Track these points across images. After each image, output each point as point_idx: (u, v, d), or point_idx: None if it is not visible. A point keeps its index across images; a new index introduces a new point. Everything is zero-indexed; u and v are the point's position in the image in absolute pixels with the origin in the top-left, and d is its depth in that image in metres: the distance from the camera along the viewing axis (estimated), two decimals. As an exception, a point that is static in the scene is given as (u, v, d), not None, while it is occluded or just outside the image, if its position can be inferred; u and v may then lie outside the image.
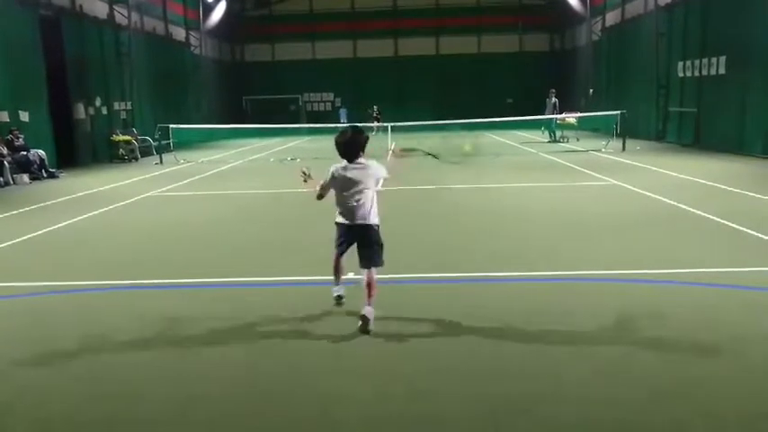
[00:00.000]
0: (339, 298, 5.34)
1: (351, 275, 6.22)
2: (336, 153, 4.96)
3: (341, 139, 4.90)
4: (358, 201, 4.87)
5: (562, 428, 3.35)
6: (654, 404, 3.55)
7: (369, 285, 4.86)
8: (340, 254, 5.16)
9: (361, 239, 4.94)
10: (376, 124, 28.09)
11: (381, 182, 5.30)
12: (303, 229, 8.86)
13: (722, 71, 18.35)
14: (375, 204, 4.96)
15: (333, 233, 5.18)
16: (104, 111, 21.42)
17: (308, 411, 3.62)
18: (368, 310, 4.79)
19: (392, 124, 22.28)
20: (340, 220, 5.01)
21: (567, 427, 3.36)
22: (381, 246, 4.98)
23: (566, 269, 6.27)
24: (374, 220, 4.94)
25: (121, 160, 20.46)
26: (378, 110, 31.43)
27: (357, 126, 5.07)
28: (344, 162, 4.94)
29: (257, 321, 5.12)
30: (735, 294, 5.44)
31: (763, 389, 3.71)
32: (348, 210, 4.90)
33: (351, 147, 4.88)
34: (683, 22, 20.97)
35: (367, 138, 4.98)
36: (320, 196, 5.15)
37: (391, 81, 38.57)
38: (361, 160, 4.91)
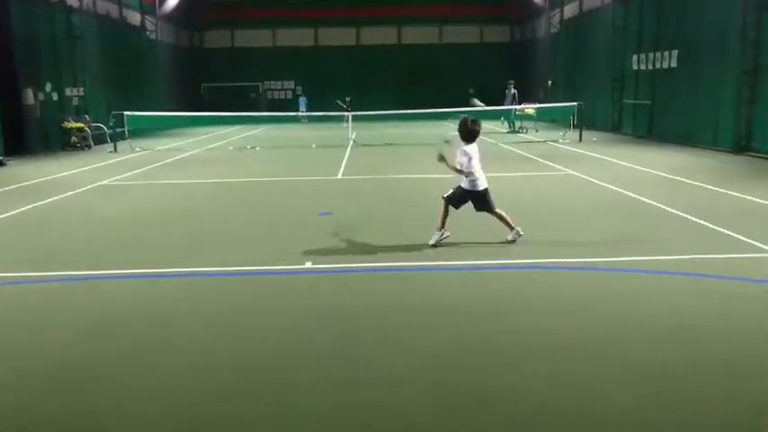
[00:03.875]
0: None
1: (309, 264, 6.22)
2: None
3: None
4: None
5: (527, 419, 3.42)
6: (610, 392, 3.65)
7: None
8: None
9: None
10: (347, 114, 27.80)
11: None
12: (259, 219, 8.77)
13: (674, 64, 18.86)
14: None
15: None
16: (55, 96, 20.65)
17: (281, 398, 3.60)
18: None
19: (353, 113, 22.16)
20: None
21: (533, 417, 3.43)
22: None
23: (518, 257, 6.38)
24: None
25: (74, 148, 19.83)
26: (350, 101, 31.03)
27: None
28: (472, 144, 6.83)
29: (215, 310, 5.06)
30: (682, 281, 5.63)
31: (715, 376, 3.86)
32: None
33: None
34: (638, 16, 21.44)
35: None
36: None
37: (353, 70, 38.35)
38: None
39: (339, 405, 3.53)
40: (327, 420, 3.38)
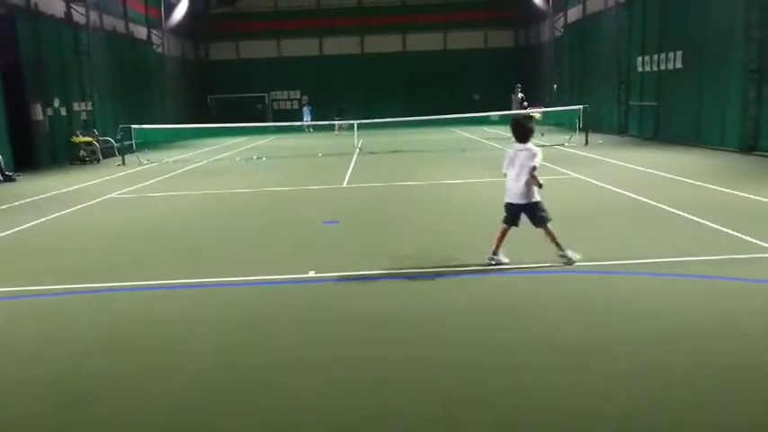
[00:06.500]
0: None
1: (312, 273, 6.26)
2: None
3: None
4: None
5: (523, 419, 3.42)
6: (609, 393, 3.64)
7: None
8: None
9: None
10: (338, 122, 27.86)
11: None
12: (265, 229, 8.82)
13: (679, 65, 18.80)
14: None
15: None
16: (63, 111, 20.92)
17: (276, 403, 3.62)
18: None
19: (359, 122, 22.24)
20: None
21: (523, 417, 3.43)
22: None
23: (527, 262, 6.37)
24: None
25: (82, 162, 20.01)
26: (341, 110, 30.96)
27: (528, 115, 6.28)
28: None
29: (219, 320, 5.10)
30: (687, 283, 5.60)
31: (714, 379, 3.84)
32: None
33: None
34: (641, 18, 21.41)
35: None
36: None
37: (358, 78, 38.52)
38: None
39: (343, 410, 3.55)
40: (330, 426, 3.40)
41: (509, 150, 6.32)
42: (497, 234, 6.29)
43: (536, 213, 6.18)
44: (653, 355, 4.12)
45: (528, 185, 6.08)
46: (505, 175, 6.30)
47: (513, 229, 6.31)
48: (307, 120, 32.70)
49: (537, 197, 6.18)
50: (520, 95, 24.76)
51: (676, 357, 4.07)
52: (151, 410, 3.65)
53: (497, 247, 6.28)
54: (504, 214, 6.30)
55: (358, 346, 4.50)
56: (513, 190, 6.16)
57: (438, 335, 4.62)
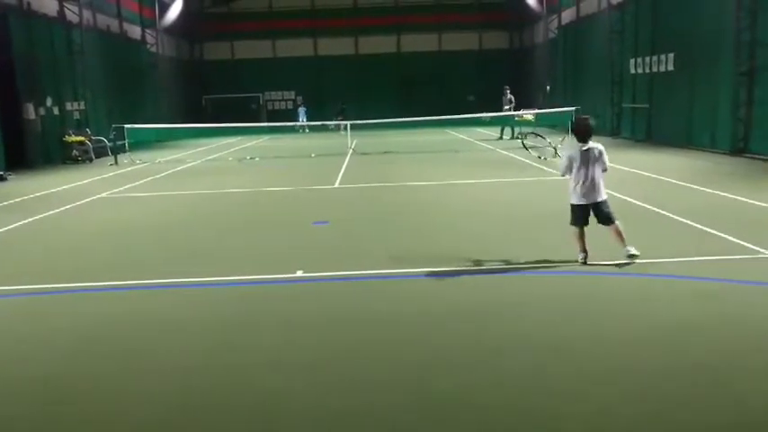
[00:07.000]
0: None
1: (300, 273, 6.28)
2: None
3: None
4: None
5: (498, 418, 3.44)
6: (585, 393, 3.67)
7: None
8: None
9: None
10: (341, 122, 27.80)
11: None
12: (255, 229, 8.82)
13: (671, 67, 18.89)
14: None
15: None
16: (56, 111, 20.83)
17: (260, 404, 3.63)
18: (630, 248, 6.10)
19: (352, 122, 22.23)
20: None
21: (504, 417, 3.45)
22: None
23: (513, 262, 6.39)
24: None
25: (75, 162, 19.94)
26: (342, 109, 31.11)
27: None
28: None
29: (205, 320, 5.10)
30: (673, 283, 5.64)
31: (706, 378, 3.87)
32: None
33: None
34: (634, 20, 21.50)
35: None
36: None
37: (353, 79, 38.49)
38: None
39: (328, 411, 3.56)
40: (315, 427, 3.41)
41: (570, 152, 6.27)
42: (575, 239, 6.26)
43: (607, 210, 6.20)
44: (643, 354, 4.15)
45: (600, 182, 6.13)
46: (563, 175, 6.32)
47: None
48: (302, 120, 32.67)
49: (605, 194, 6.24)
50: (509, 96, 24.95)
51: (667, 356, 4.10)
52: (136, 411, 3.65)
53: (583, 247, 6.24)
54: (572, 216, 6.27)
55: (344, 346, 4.51)
56: (584, 190, 6.15)
57: (427, 335, 4.64)
